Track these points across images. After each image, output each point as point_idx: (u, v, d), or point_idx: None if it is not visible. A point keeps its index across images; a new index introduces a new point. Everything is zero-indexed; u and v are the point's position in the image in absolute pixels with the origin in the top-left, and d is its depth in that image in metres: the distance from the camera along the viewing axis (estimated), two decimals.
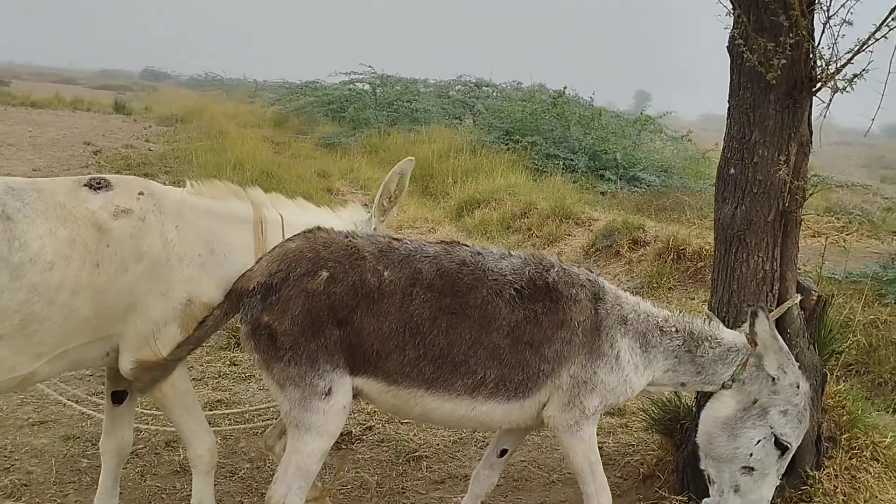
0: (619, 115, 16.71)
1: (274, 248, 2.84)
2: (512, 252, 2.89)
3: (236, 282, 2.81)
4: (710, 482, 2.98)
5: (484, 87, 19.96)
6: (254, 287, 2.70)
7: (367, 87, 20.44)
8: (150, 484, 3.74)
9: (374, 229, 3.37)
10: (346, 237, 2.81)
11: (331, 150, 16.42)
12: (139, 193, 2.88)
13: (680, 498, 3.49)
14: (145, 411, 4.33)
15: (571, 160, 13.22)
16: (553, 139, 14.05)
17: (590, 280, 2.88)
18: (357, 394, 2.79)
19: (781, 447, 2.86)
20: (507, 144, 14.13)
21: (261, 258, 2.84)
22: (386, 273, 2.69)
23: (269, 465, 3.87)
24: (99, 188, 2.81)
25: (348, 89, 20.70)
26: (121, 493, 3.62)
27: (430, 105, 18.58)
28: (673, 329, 2.91)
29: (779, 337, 2.87)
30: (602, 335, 2.80)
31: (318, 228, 2.86)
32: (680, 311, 3.01)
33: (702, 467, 3.01)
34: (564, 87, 15.25)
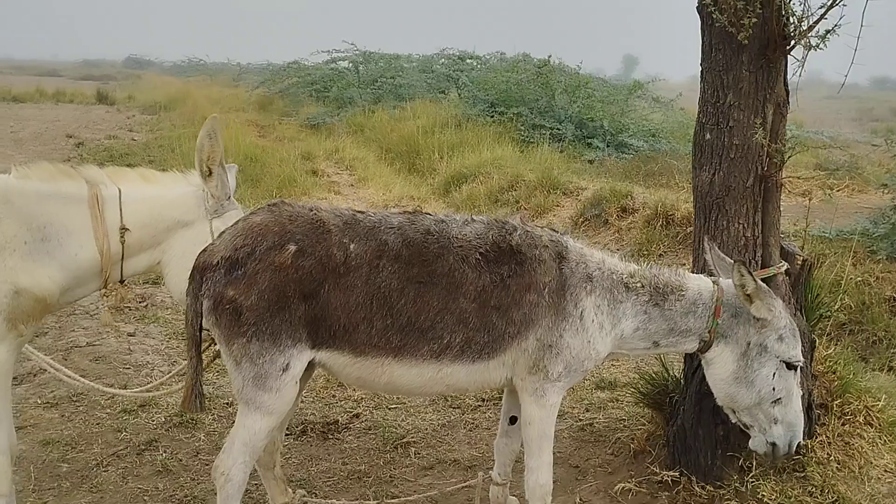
0: (606, 82, 16.49)
1: (237, 221, 2.78)
2: (475, 217, 2.87)
3: (198, 257, 2.74)
4: (747, 428, 2.97)
5: (468, 60, 19.61)
6: (217, 261, 2.66)
7: (349, 65, 20.21)
8: (132, 486, 3.67)
9: (213, 195, 3.09)
10: (311, 210, 2.78)
11: (316, 131, 16.26)
12: None
13: (671, 473, 3.43)
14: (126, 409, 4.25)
15: (558, 129, 13.04)
16: (539, 109, 13.86)
17: (552, 240, 2.86)
18: (321, 367, 2.80)
19: (793, 367, 2.85)
20: (492, 116, 13.95)
21: (223, 232, 2.78)
22: (352, 246, 2.68)
23: None
24: None
25: (331, 68, 20.47)
26: (102, 497, 3.57)
27: (413, 80, 18.33)
28: (639, 284, 2.88)
29: (759, 281, 2.83)
30: (567, 295, 2.78)
31: (282, 202, 2.82)
32: (648, 265, 2.95)
33: (734, 420, 3.00)
34: (549, 56, 14.98)
